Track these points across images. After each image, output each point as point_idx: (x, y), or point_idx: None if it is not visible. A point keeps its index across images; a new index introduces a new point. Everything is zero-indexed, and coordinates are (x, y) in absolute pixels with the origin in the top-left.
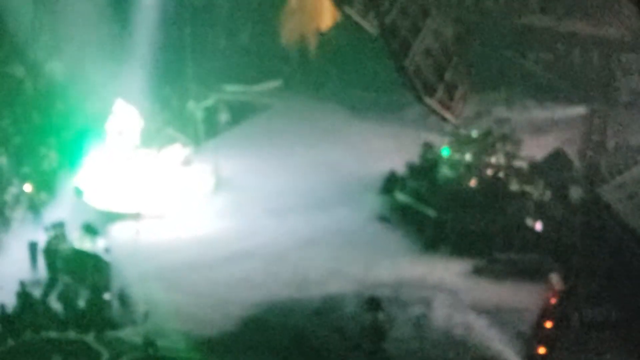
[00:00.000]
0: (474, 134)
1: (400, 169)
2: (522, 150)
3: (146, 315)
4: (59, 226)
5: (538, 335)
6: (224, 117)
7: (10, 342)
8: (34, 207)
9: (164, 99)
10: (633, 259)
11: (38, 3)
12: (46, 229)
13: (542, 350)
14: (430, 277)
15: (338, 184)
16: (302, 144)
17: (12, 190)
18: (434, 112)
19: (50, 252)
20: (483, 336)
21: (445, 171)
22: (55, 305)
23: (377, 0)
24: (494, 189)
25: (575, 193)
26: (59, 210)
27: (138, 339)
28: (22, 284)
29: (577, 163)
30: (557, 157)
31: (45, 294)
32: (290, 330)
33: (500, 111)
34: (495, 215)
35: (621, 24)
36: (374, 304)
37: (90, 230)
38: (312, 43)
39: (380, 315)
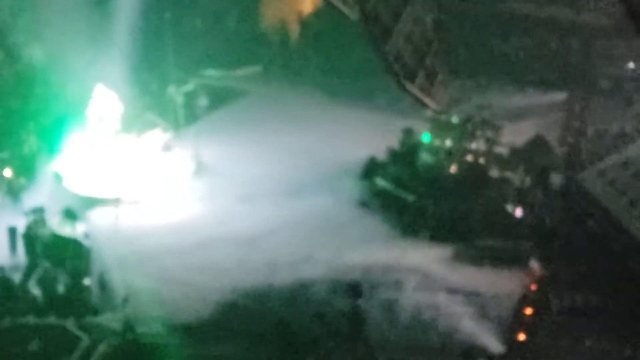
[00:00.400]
0: (454, 119)
1: (380, 154)
2: (502, 137)
3: (125, 301)
4: (39, 211)
5: (518, 321)
6: (203, 102)
7: None
8: (14, 192)
9: (144, 84)
10: (612, 245)
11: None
12: (26, 214)
13: (522, 336)
14: (409, 262)
15: (317, 170)
16: (281, 130)
17: None
18: (414, 97)
19: (30, 237)
20: (464, 322)
21: (425, 157)
22: (35, 290)
23: None
24: (474, 175)
25: (555, 179)
26: (38, 195)
27: (117, 325)
28: (2, 269)
29: (557, 149)
30: (537, 144)
31: (25, 279)
32: (269, 316)
33: (481, 97)
34: (476, 201)
35: (601, 10)
36: (354, 289)
37: (70, 215)
38: (292, 29)
39: (360, 301)
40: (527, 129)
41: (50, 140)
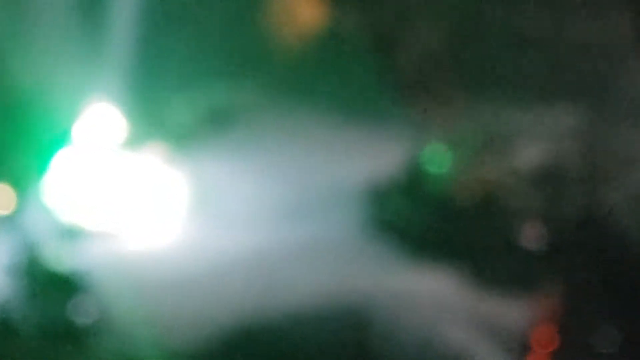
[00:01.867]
0: (461, 140)
1: (385, 177)
2: (511, 158)
3: (120, 331)
4: (28, 239)
5: (527, 346)
6: (201, 122)
7: None
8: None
9: (140, 103)
10: (630, 270)
11: (6, 2)
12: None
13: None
14: (414, 287)
15: (319, 193)
16: (281, 151)
17: None
18: (420, 118)
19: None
20: (471, 347)
21: (430, 179)
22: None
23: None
24: (481, 198)
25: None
26: (27, 220)
27: (113, 356)
28: None
29: (569, 169)
30: (547, 166)
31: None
32: (268, 343)
33: (489, 118)
34: (482, 225)
35: (614, 28)
36: (356, 317)
37: (60, 244)
38: (293, 48)
39: (363, 329)
40: (539, 148)
41: (40, 161)
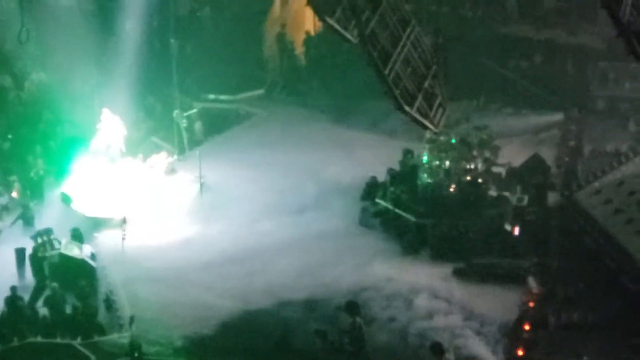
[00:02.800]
0: (453, 140)
1: (381, 175)
2: (500, 157)
3: (132, 320)
4: (46, 233)
5: (517, 337)
6: (206, 125)
7: None
8: (25, 215)
9: (149, 108)
10: (609, 263)
11: (25, 13)
12: (33, 236)
13: (520, 352)
14: (409, 280)
15: (319, 190)
16: (283, 152)
17: (0, 198)
18: (413, 120)
19: (37, 259)
20: (464, 338)
21: (424, 177)
22: (43, 310)
23: (357, 11)
24: (472, 194)
25: (552, 198)
26: (46, 217)
27: (124, 344)
28: (13, 289)
29: (554, 168)
30: (534, 163)
31: (33, 299)
32: (272, 334)
33: (479, 118)
34: (474, 220)
35: (596, 33)
36: (352, 307)
37: (77, 236)
38: (294, 53)
39: (358, 319)
40: (525, 149)
41: (58, 163)
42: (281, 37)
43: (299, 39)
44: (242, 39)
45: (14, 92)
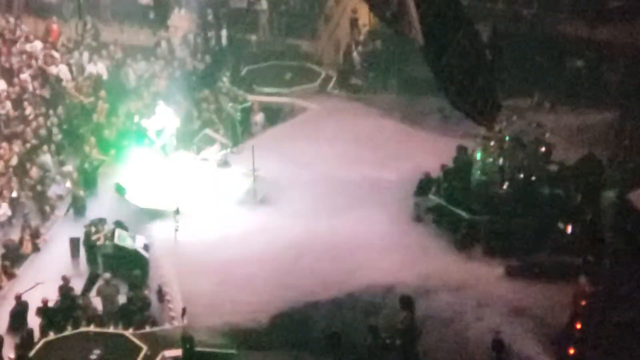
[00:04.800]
0: (507, 138)
1: (434, 171)
2: (554, 154)
3: (184, 312)
4: (100, 223)
5: (569, 336)
6: (259, 118)
7: (52, 335)
8: (77, 205)
9: (203, 101)
10: None
11: (82, 6)
12: (87, 226)
13: (572, 350)
14: (463, 277)
15: (372, 186)
16: (337, 147)
17: (56, 187)
18: (468, 115)
19: (91, 248)
20: (514, 337)
21: (478, 174)
22: (96, 300)
23: (415, 6)
24: (525, 192)
25: (606, 197)
26: (100, 207)
27: (176, 335)
28: (65, 279)
29: (608, 167)
30: (588, 161)
31: (86, 289)
32: (323, 327)
33: (533, 116)
34: (527, 217)
35: None
36: (406, 303)
37: (121, 228)
38: (347, 48)
39: (412, 315)
40: (579, 148)
41: (112, 154)
42: (334, 32)
43: (352, 34)
44: (297, 33)
45: (70, 83)
